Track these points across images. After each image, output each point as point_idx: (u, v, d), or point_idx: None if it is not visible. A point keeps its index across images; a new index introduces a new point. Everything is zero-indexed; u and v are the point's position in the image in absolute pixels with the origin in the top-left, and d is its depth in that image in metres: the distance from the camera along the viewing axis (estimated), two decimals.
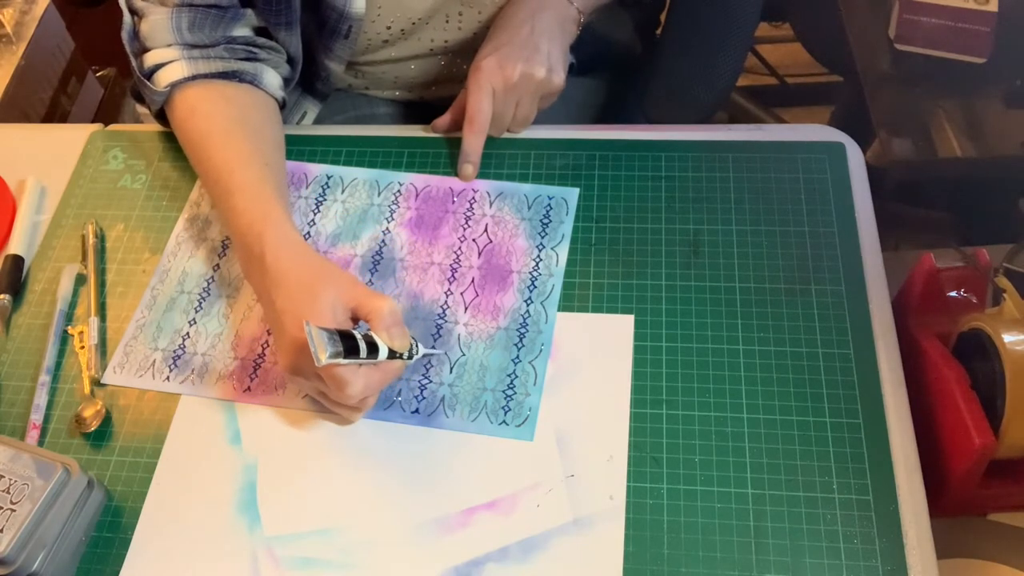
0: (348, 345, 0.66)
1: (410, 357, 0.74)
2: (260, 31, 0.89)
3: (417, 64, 1.00)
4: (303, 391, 0.77)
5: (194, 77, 0.83)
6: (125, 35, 0.86)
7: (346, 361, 0.67)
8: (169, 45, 0.84)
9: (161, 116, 0.89)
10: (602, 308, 0.80)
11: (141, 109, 0.95)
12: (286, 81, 0.91)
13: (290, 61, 0.92)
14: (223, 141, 0.82)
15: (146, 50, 0.85)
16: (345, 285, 0.73)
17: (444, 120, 0.92)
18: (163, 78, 0.83)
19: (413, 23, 0.93)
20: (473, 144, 0.87)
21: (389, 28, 0.94)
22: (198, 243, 0.88)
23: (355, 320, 0.73)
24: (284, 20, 0.87)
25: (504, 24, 0.88)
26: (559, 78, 0.87)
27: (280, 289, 0.74)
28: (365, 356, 0.68)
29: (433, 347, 0.79)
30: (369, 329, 0.71)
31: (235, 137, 0.82)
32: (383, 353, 0.70)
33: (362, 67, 1.01)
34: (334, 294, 0.72)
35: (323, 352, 0.64)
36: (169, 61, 0.83)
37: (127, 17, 0.86)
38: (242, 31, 0.87)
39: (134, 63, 0.86)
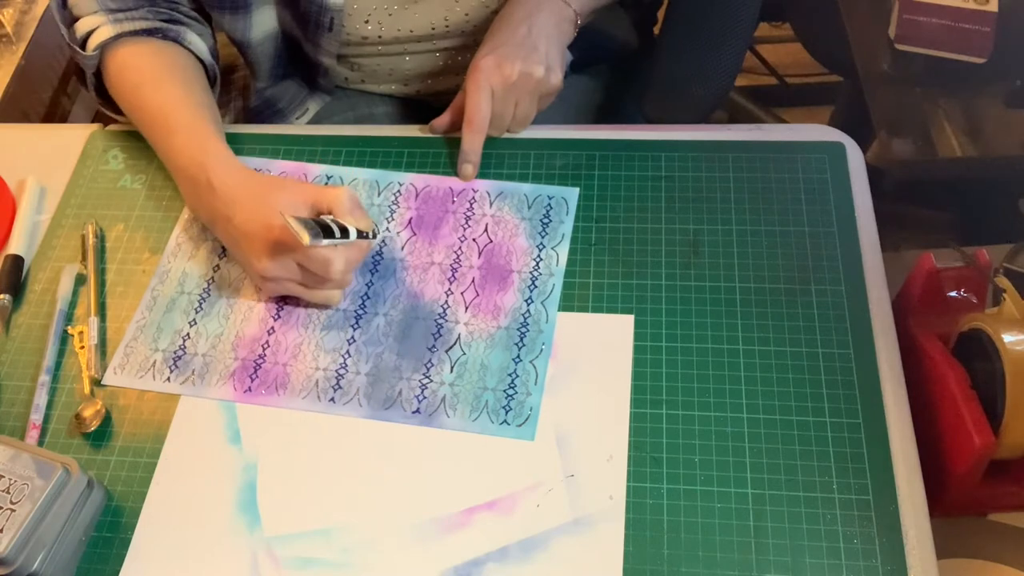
0: (323, 229, 0.73)
1: (374, 236, 0.80)
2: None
3: (412, 57, 1.00)
4: (280, 291, 0.81)
5: (119, 36, 0.87)
6: (54, 4, 0.90)
7: (326, 242, 0.73)
8: (95, 12, 0.88)
9: (100, 94, 0.93)
10: (602, 308, 0.80)
11: None
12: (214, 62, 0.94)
13: (240, 46, 0.96)
14: (155, 87, 0.87)
15: (75, 19, 0.89)
16: (297, 187, 0.80)
17: (443, 120, 0.92)
18: (92, 43, 0.88)
19: (390, 14, 0.93)
20: (472, 144, 0.87)
21: (367, 21, 0.94)
22: (198, 243, 0.88)
23: (317, 215, 0.78)
24: (230, 5, 0.91)
25: (501, 25, 0.88)
26: (557, 77, 0.87)
27: (236, 206, 0.79)
28: (339, 237, 0.74)
29: (434, 345, 0.79)
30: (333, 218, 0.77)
31: (166, 83, 0.87)
32: (353, 234, 0.76)
33: (355, 59, 1.01)
34: (289, 197, 0.78)
35: (305, 236, 0.70)
36: (96, 27, 0.88)
37: None
38: None
39: (65, 33, 0.90)
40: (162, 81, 0.87)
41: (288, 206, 0.77)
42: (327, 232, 0.73)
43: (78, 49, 0.88)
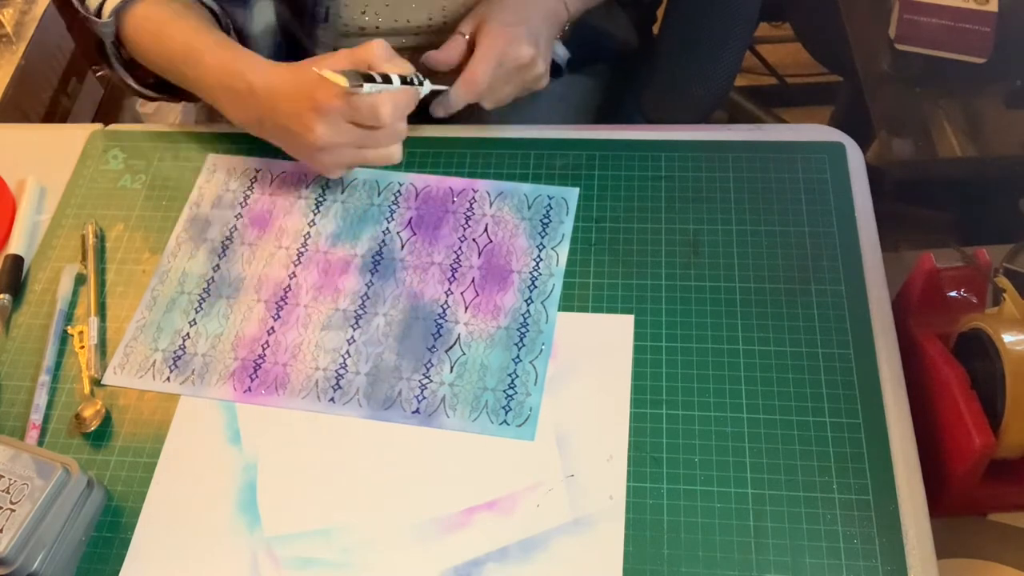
0: (364, 79, 0.73)
1: (420, 84, 0.80)
2: None
3: (409, 53, 1.00)
4: (339, 160, 0.82)
5: None
6: None
7: (367, 87, 0.73)
8: None
9: (127, 68, 0.92)
10: (602, 308, 0.80)
11: (142, 109, 0.95)
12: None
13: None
14: (175, 26, 0.87)
15: None
16: (330, 57, 0.79)
17: (437, 56, 0.88)
18: (107, 9, 0.87)
19: (387, 4, 0.93)
20: (458, 100, 0.86)
21: (363, 12, 0.94)
22: (198, 243, 0.88)
23: None
24: None
25: (512, 4, 0.87)
26: (547, 80, 0.88)
27: (277, 95, 0.80)
28: (381, 83, 0.74)
29: (434, 345, 0.79)
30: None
31: (185, 20, 0.87)
32: (396, 80, 0.76)
33: None
34: (326, 64, 0.76)
35: (343, 80, 0.71)
36: None
37: None
38: None
39: (79, 7, 0.89)
40: (180, 19, 0.87)
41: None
42: (369, 80, 0.73)
43: (94, 18, 0.88)
